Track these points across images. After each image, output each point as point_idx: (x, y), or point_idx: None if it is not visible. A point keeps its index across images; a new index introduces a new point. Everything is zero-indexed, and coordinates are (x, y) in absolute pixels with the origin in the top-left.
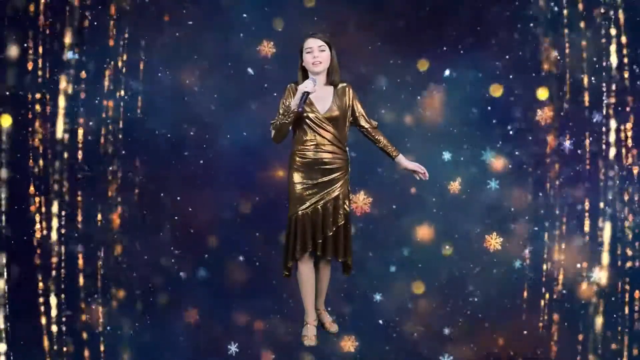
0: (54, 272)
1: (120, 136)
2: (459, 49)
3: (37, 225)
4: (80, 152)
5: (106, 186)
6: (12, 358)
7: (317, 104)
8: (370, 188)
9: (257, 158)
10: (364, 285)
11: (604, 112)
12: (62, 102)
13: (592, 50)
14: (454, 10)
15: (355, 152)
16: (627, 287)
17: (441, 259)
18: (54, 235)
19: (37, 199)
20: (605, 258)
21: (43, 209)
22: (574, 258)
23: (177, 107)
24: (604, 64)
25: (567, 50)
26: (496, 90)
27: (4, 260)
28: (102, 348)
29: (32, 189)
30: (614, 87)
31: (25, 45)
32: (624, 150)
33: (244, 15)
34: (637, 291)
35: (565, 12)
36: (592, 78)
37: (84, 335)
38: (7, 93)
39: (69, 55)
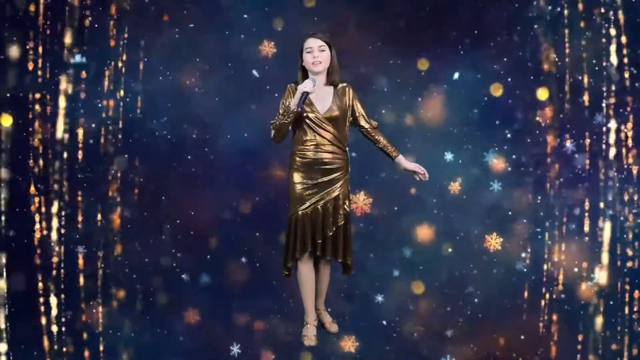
0: (54, 272)
1: (120, 136)
2: (459, 49)
3: (37, 225)
4: (80, 152)
5: (106, 186)
6: (12, 358)
7: (317, 104)
8: (370, 188)
9: (257, 158)
10: (364, 286)
11: (604, 112)
12: (62, 102)
13: (592, 50)
14: (454, 11)
15: (356, 153)
16: (627, 287)
17: (441, 259)
18: (54, 235)
19: (37, 199)
20: (605, 258)
21: (43, 209)
22: (574, 258)
23: (177, 107)
24: (604, 64)
25: (567, 51)
26: (496, 90)
27: (4, 260)
28: (101, 348)
29: (32, 189)
30: (613, 87)
31: (26, 45)
32: (624, 150)
33: (244, 15)
34: (636, 291)
35: (565, 12)
36: (592, 78)
37: (84, 335)
38: (8, 94)
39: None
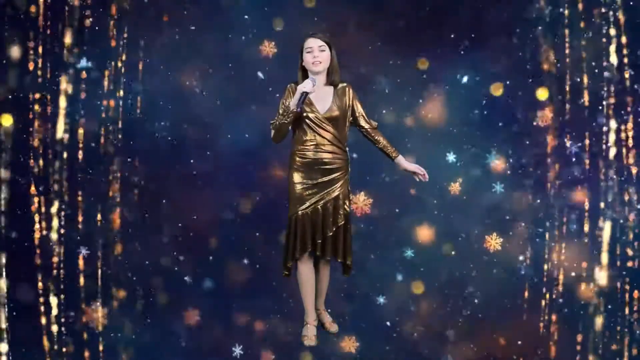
0: (54, 272)
1: (120, 136)
2: (459, 49)
3: (37, 226)
4: (80, 152)
5: (106, 186)
6: (12, 358)
7: (317, 104)
8: (370, 189)
9: (257, 158)
10: (364, 286)
11: (604, 112)
12: (62, 102)
13: (592, 50)
14: (454, 11)
15: (356, 153)
16: (627, 287)
17: (441, 259)
18: (53, 236)
19: (37, 199)
20: (605, 258)
21: (43, 209)
22: (574, 258)
23: (178, 108)
24: (604, 64)
25: (567, 51)
26: (496, 90)
27: (4, 260)
28: (101, 348)
29: (32, 189)
30: (613, 87)
31: (26, 45)
32: (624, 151)
33: (244, 15)
34: (636, 291)
35: (565, 12)
36: (592, 78)
37: (84, 335)
38: (9, 95)
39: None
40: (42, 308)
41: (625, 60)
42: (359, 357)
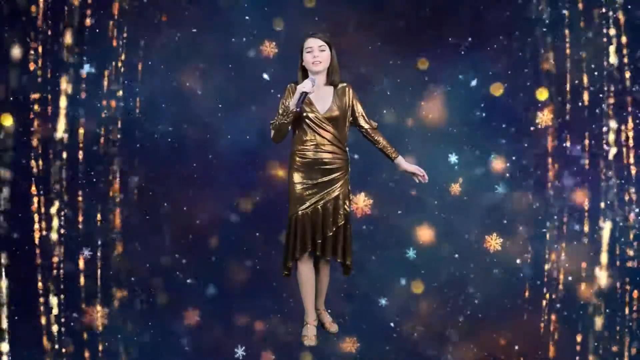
0: (54, 272)
1: (119, 136)
2: (459, 49)
3: (37, 226)
4: (80, 152)
5: (106, 186)
6: (12, 358)
7: (317, 104)
8: (370, 190)
9: (257, 158)
10: (364, 286)
11: (604, 112)
12: (63, 102)
13: (592, 50)
14: (454, 11)
15: (356, 154)
16: (628, 287)
17: (441, 259)
18: (53, 236)
19: (37, 199)
20: (605, 258)
21: (43, 209)
22: (575, 258)
23: (178, 108)
24: (604, 64)
25: (567, 51)
26: (496, 90)
27: (3, 260)
28: (101, 347)
29: (33, 189)
30: (613, 87)
31: (27, 45)
32: (624, 151)
33: (244, 15)
34: (635, 291)
35: (565, 12)
36: (592, 78)
37: (84, 335)
38: (9, 94)
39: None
40: (42, 308)
41: (625, 60)
42: (359, 357)
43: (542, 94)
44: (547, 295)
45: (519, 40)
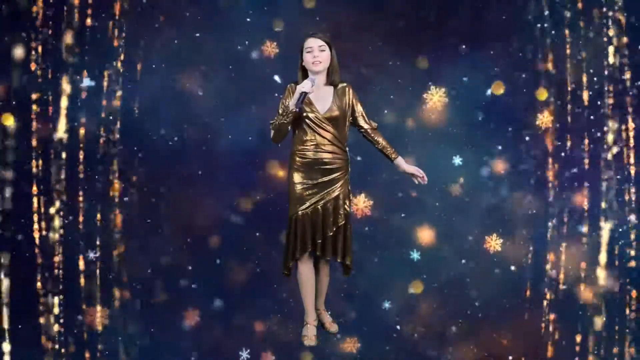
0: (54, 272)
1: (118, 136)
2: (459, 49)
3: (37, 226)
4: (81, 152)
5: (106, 186)
6: (12, 358)
7: (317, 104)
8: (371, 190)
9: (257, 158)
10: (364, 286)
11: (604, 112)
12: (64, 102)
13: (592, 50)
14: (454, 11)
15: (356, 154)
16: (628, 287)
17: (441, 260)
18: (53, 235)
19: (37, 199)
20: (606, 258)
21: (43, 209)
22: (575, 259)
23: (178, 108)
24: (604, 64)
25: (567, 51)
26: (496, 91)
27: (3, 260)
28: (100, 347)
29: (33, 188)
30: (613, 88)
31: (27, 45)
32: (624, 151)
33: (244, 16)
34: (634, 291)
35: (565, 12)
36: (592, 78)
37: (84, 335)
38: (9, 94)
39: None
40: (42, 308)
41: (625, 60)
42: (359, 357)
43: (542, 94)
44: (547, 295)
45: (519, 40)
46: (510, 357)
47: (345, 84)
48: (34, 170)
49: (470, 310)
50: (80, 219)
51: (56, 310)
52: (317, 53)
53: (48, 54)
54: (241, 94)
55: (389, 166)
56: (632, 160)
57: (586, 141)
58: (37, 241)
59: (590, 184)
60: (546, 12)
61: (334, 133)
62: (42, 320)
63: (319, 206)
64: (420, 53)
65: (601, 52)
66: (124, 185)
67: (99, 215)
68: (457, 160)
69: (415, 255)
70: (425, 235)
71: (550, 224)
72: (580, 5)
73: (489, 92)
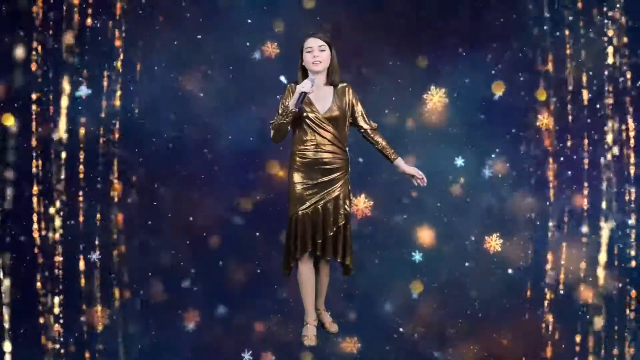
0: (54, 272)
1: (118, 136)
2: (459, 49)
3: (37, 226)
4: (81, 152)
5: (106, 186)
6: (12, 358)
7: (317, 104)
8: (371, 191)
9: (257, 158)
10: (364, 286)
11: (604, 112)
12: (64, 102)
13: (592, 50)
14: (454, 11)
15: (357, 155)
16: (628, 287)
17: (441, 260)
18: (53, 235)
19: (37, 199)
20: (606, 258)
21: (43, 209)
22: (575, 259)
23: (178, 108)
24: (604, 64)
25: (567, 51)
26: (496, 91)
27: (3, 260)
28: (100, 347)
29: (34, 188)
30: (613, 87)
31: (27, 46)
32: (624, 151)
33: (244, 16)
34: (633, 291)
35: (565, 12)
36: (592, 79)
37: (84, 335)
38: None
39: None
40: (42, 308)
41: (625, 60)
42: (359, 357)
43: (542, 95)
44: (547, 295)
45: (519, 40)
46: (510, 357)
47: (345, 84)
48: (34, 170)
49: (470, 310)
50: (81, 219)
51: (56, 310)
52: (317, 53)
53: (48, 54)
54: (241, 94)
55: (389, 167)
56: (632, 160)
57: (586, 141)
58: (37, 241)
59: (590, 184)
60: (546, 13)
61: (334, 133)
62: (42, 320)
63: (319, 206)
64: (420, 53)
65: (601, 52)
66: (124, 186)
67: (98, 215)
68: (460, 162)
69: (417, 256)
70: (425, 235)
71: (550, 224)
72: (580, 5)
73: (489, 92)
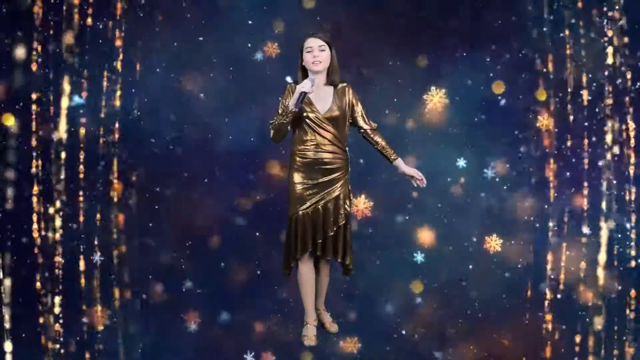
0: (54, 272)
1: (117, 136)
2: (459, 49)
3: (37, 226)
4: (81, 153)
5: (106, 186)
6: (12, 358)
7: (317, 104)
8: (371, 191)
9: (257, 158)
10: (364, 286)
11: (604, 113)
12: (64, 102)
13: (592, 50)
14: (454, 11)
15: (357, 155)
16: (628, 287)
17: (442, 260)
18: (53, 235)
19: (37, 199)
20: (606, 258)
21: (43, 209)
22: (575, 259)
23: (179, 108)
24: (604, 64)
25: (567, 51)
26: (496, 91)
27: (4, 260)
28: (100, 347)
29: (34, 189)
30: (613, 88)
31: (28, 46)
32: (625, 150)
33: (244, 16)
34: (632, 291)
35: (565, 12)
36: (592, 79)
37: (84, 335)
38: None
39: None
40: (42, 308)
41: (625, 60)
42: (359, 357)
43: (542, 95)
44: (547, 296)
45: (519, 40)
46: (510, 357)
47: (345, 84)
48: (34, 170)
49: (470, 310)
50: (81, 219)
51: (56, 310)
52: (317, 53)
53: (48, 54)
54: (241, 95)
55: (389, 167)
56: (632, 160)
57: (586, 141)
58: (37, 241)
59: (590, 184)
60: (546, 13)
61: (334, 133)
62: (42, 320)
63: (319, 206)
64: (420, 53)
65: (601, 52)
66: (124, 186)
67: (98, 216)
68: (462, 163)
69: (419, 257)
70: (426, 235)
71: (550, 224)
72: (580, 5)
73: (489, 92)
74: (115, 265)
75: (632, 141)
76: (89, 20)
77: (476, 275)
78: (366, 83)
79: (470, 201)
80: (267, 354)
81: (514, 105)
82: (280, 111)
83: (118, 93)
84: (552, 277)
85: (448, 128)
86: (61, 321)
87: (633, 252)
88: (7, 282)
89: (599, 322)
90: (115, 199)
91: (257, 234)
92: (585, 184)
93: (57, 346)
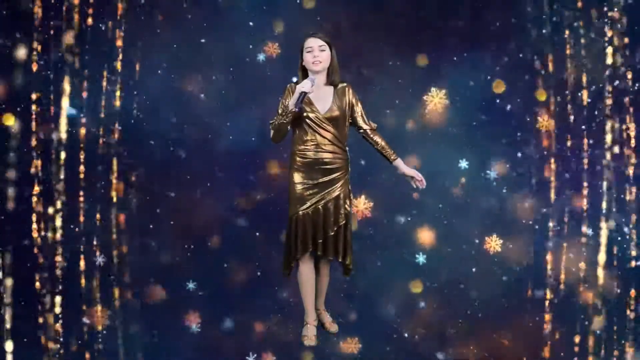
0: (55, 272)
1: (117, 136)
2: (459, 49)
3: (36, 226)
4: (81, 153)
5: (106, 186)
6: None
7: (317, 104)
8: (371, 191)
9: (257, 158)
10: (364, 286)
11: (604, 113)
12: (64, 102)
13: (592, 50)
14: (454, 11)
15: (357, 155)
16: (629, 287)
17: (442, 260)
18: (53, 235)
19: (37, 199)
20: (606, 259)
21: (43, 210)
22: (575, 259)
23: (179, 108)
24: (604, 64)
25: (567, 51)
26: (496, 91)
27: (4, 260)
28: (100, 347)
29: (34, 189)
30: (613, 88)
31: (28, 46)
32: (625, 151)
33: (244, 16)
34: (632, 290)
35: (565, 12)
36: (592, 79)
37: (85, 335)
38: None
39: (68, 110)
40: (42, 308)
41: (625, 60)
42: (360, 358)
43: (542, 95)
44: (547, 296)
45: (518, 40)
46: (510, 357)
47: (345, 84)
48: (34, 170)
49: (470, 311)
50: (81, 219)
51: (57, 310)
52: (317, 53)
53: (48, 54)
54: (241, 95)
55: (389, 167)
56: (632, 160)
57: (586, 141)
58: (37, 241)
59: (590, 184)
60: (546, 13)
61: (334, 133)
62: (42, 320)
63: (319, 206)
64: (421, 53)
65: (601, 52)
66: (124, 186)
67: (98, 216)
68: (464, 164)
69: (421, 258)
70: (426, 236)
71: (550, 224)
72: (580, 5)
73: (489, 92)
74: (116, 265)
75: (632, 141)
76: (89, 21)
77: (476, 276)
78: (366, 83)
79: (470, 201)
80: (267, 354)
81: (514, 105)
82: (280, 111)
83: (118, 93)
84: (552, 277)
85: (448, 128)
86: (61, 321)
87: (633, 253)
88: (8, 282)
89: (598, 323)
90: (115, 199)
91: (257, 234)
92: (585, 184)
93: (57, 346)
